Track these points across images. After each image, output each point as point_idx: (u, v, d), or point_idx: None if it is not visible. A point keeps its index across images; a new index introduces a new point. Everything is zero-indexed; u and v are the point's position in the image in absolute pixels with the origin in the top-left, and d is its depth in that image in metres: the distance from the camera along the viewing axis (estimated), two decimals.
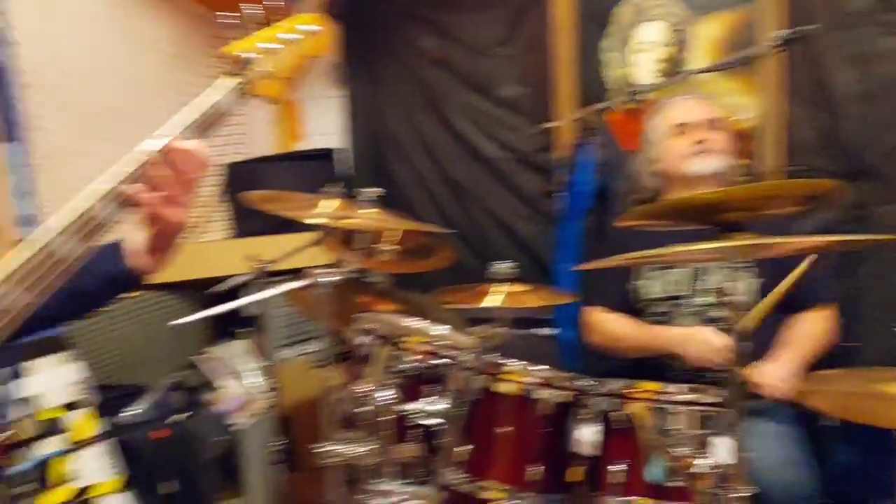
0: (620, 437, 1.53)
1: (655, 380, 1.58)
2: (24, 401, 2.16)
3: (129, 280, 1.14)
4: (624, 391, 1.56)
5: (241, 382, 2.84)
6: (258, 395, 2.79)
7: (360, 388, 1.53)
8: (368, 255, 2.26)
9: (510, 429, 1.60)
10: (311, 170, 3.25)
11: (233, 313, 2.36)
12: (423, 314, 1.95)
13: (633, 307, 2.22)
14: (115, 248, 1.14)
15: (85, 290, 1.10)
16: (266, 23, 1.29)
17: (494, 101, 3.31)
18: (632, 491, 1.51)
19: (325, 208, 1.95)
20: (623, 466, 1.52)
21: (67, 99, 2.70)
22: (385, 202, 2.10)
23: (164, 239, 1.08)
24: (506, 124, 3.30)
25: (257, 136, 3.54)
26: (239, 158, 3.32)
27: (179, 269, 2.75)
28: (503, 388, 1.61)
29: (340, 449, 1.63)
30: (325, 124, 3.58)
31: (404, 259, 2.31)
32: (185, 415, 2.65)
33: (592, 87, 3.10)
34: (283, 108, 3.62)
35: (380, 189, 2.03)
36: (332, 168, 3.38)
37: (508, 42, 3.27)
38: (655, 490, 1.49)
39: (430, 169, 3.44)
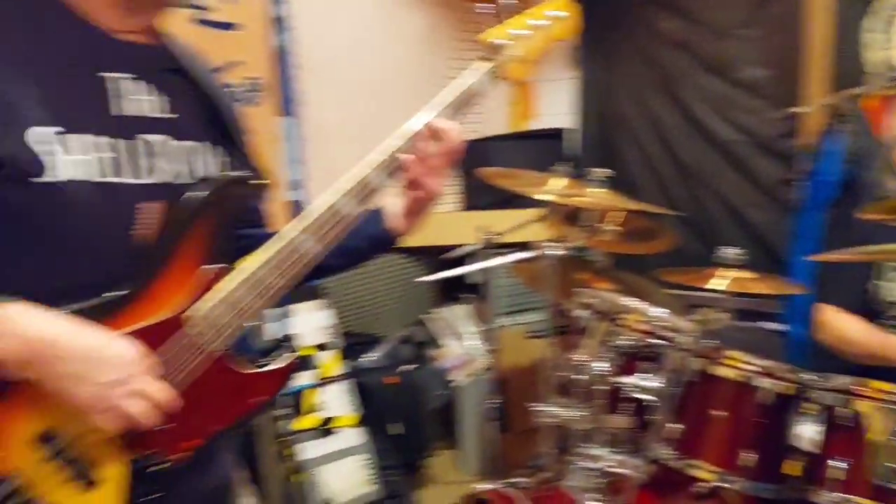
0: (844, 434, 1.49)
1: (888, 381, 1.51)
2: (287, 337, 2.53)
3: (388, 241, 1.26)
4: (852, 388, 1.51)
5: (462, 343, 3.06)
6: (477, 356, 2.99)
7: (577, 357, 1.62)
8: (591, 234, 2.33)
9: (725, 413, 1.62)
10: (542, 149, 3.37)
11: (459, 280, 2.55)
12: (640, 295, 1.99)
13: (871, 309, 2.09)
14: (377, 212, 1.26)
15: (352, 248, 1.21)
16: (518, 10, 1.39)
17: (734, 83, 3.20)
18: (852, 490, 1.47)
19: (554, 186, 2.04)
20: (844, 464, 1.48)
21: (335, 79, 3.06)
22: (611, 183, 2.15)
23: (421, 206, 1.21)
24: (745, 107, 3.18)
25: (492, 116, 3.71)
26: (473, 136, 3.52)
27: (417, 235, 3.04)
28: (722, 372, 1.63)
29: (555, 410, 1.74)
30: (557, 105, 3.68)
31: (626, 240, 2.35)
32: (413, 366, 2.92)
33: (847, 71, 2.89)
34: (518, 89, 3.76)
35: (608, 170, 2.08)
36: (562, 148, 3.48)
37: (753, 23, 3.14)
38: (879, 491, 1.44)
39: (660, 151, 3.41)
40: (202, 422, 1.01)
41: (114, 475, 0.95)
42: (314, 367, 2.58)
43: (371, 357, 2.88)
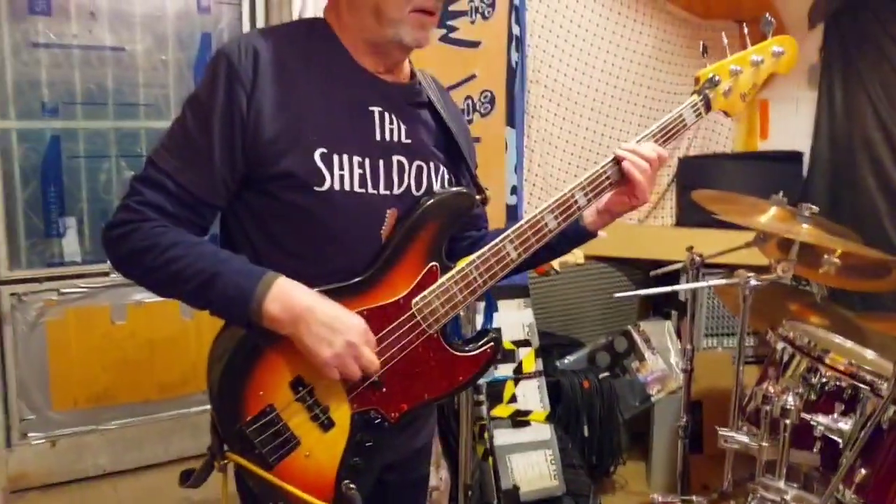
0: None
1: None
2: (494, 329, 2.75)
3: (581, 237, 1.38)
4: None
5: (662, 359, 3.09)
6: (676, 374, 3.01)
7: (771, 388, 1.64)
8: (809, 265, 2.28)
9: None
10: (769, 171, 3.29)
11: (667, 295, 2.60)
12: (851, 334, 1.94)
13: None
14: None
15: (548, 245, 1.34)
16: (742, 43, 1.44)
17: None
18: None
19: (769, 215, 2.04)
20: None
21: (562, 93, 3.23)
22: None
23: (619, 209, 1.34)
24: None
25: (717, 132, 3.68)
26: (693, 152, 3.52)
27: (625, 246, 3.14)
28: None
29: (742, 438, 1.77)
30: (791, 125, 3.55)
31: (848, 274, 2.27)
32: (610, 374, 3.01)
33: None
34: (749, 107, 3.68)
35: (815, 207, 2.02)
36: (793, 171, 3.36)
37: None
38: None
39: None
40: (413, 390, 1.24)
41: (342, 421, 1.20)
42: (514, 361, 2.77)
43: (570, 359, 3.02)
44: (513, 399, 2.75)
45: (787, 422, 1.59)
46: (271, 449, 1.16)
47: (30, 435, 2.65)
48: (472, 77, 2.98)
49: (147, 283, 1.20)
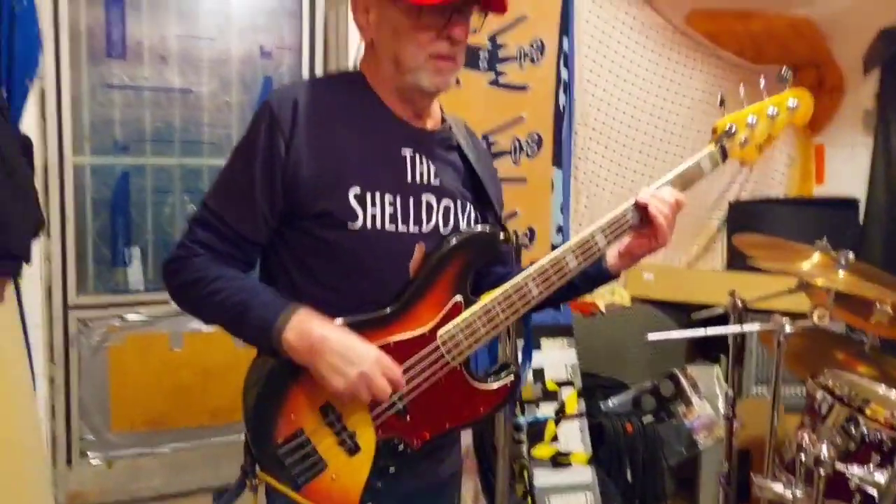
0: None
1: None
2: (535, 370, 2.78)
3: (603, 278, 1.43)
4: None
5: (710, 404, 3.04)
6: (723, 420, 2.96)
7: (807, 437, 1.62)
8: (859, 314, 2.24)
9: None
10: (823, 217, 3.25)
11: (714, 339, 2.57)
12: None
13: None
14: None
15: (571, 283, 1.38)
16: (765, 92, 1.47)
17: None
18: None
19: (811, 261, 2.02)
20: None
21: (609, 136, 3.28)
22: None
23: (639, 252, 1.37)
24: None
25: (770, 176, 3.65)
26: (745, 197, 3.49)
27: (673, 289, 3.13)
28: None
29: (776, 488, 1.74)
30: (847, 171, 3.50)
31: None
32: (655, 418, 2.99)
33: None
34: (804, 152, 3.65)
35: (852, 254, 1.98)
36: (848, 218, 3.31)
37: None
38: None
39: None
40: (435, 419, 1.29)
41: (368, 446, 1.26)
42: (556, 401, 2.78)
43: (614, 401, 3.01)
44: (554, 439, 2.76)
45: (822, 471, 1.56)
46: (300, 470, 1.23)
47: (89, 454, 2.78)
48: (520, 119, 3.06)
49: (196, 313, 1.32)
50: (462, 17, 1.24)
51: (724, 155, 1.39)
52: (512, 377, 1.35)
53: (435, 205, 1.32)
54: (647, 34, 3.32)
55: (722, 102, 1.44)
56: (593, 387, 3.03)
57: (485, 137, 2.99)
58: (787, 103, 1.43)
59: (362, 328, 1.23)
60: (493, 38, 2.99)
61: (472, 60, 2.95)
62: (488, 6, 1.27)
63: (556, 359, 2.86)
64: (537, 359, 2.83)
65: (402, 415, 1.27)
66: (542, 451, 2.73)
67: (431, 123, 1.38)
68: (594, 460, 2.77)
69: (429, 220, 1.31)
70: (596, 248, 1.32)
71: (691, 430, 3.02)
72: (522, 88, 3.07)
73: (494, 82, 3.01)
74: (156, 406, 2.85)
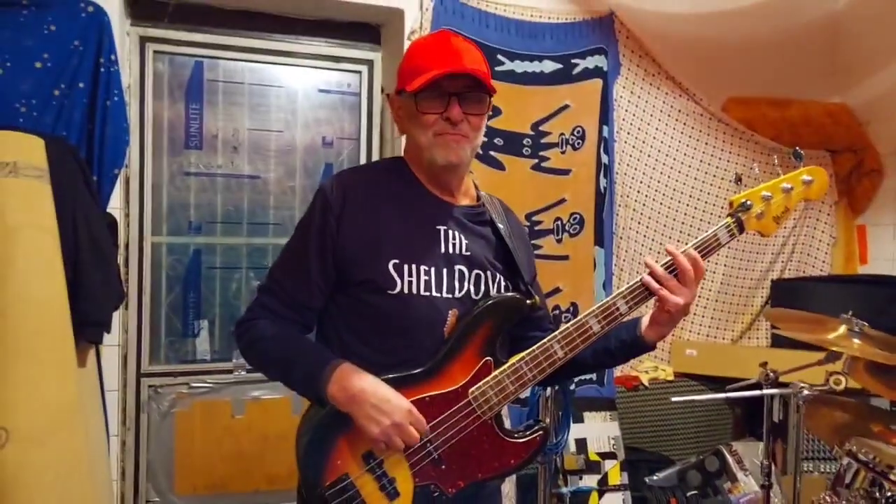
0: None
1: None
2: (578, 440, 2.85)
3: (638, 347, 1.52)
4: None
5: (755, 481, 3.03)
6: (771, 497, 2.95)
7: (827, 499, 1.67)
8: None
9: None
10: (864, 295, 3.27)
11: (760, 417, 2.59)
12: None
13: None
14: (636, 320, 1.53)
15: (607, 349, 1.53)
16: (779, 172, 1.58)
17: None
18: None
19: (837, 333, 2.10)
20: None
21: (650, 216, 3.41)
22: None
23: (669, 318, 1.46)
24: None
25: (814, 256, 3.70)
26: (788, 275, 3.55)
27: (716, 365, 3.18)
28: None
29: None
30: (890, 251, 3.54)
31: None
32: (699, 493, 3.00)
33: None
34: (846, 233, 3.71)
35: (865, 323, 2.05)
36: (890, 295, 3.32)
37: None
38: None
39: None
40: (468, 469, 1.43)
41: (406, 493, 1.39)
42: (599, 473, 2.84)
43: (659, 476, 3.03)
44: None
45: None
46: None
47: None
48: (563, 201, 3.24)
49: (259, 368, 1.51)
50: (461, 99, 1.42)
51: (741, 226, 1.49)
52: (541, 433, 1.47)
53: (467, 273, 1.48)
54: (685, 121, 3.49)
55: (739, 179, 1.57)
56: (638, 461, 3.07)
57: (528, 217, 3.17)
58: (801, 178, 1.53)
59: (401, 384, 1.39)
60: (535, 126, 3.21)
61: (516, 147, 3.16)
62: (481, 88, 1.43)
63: (598, 431, 2.93)
64: (580, 430, 2.91)
65: (437, 464, 1.40)
66: None
67: (467, 200, 1.56)
68: None
69: (461, 287, 1.47)
70: (617, 313, 1.44)
71: None
72: (565, 172, 3.25)
73: (537, 167, 3.20)
74: (217, 471, 3.02)
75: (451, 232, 1.49)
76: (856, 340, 1.97)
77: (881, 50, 3.57)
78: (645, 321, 1.51)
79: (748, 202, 1.52)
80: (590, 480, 2.83)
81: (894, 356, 1.93)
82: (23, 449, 2.13)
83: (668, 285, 1.42)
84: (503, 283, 1.52)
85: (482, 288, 1.49)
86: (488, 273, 1.51)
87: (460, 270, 1.47)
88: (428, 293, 1.43)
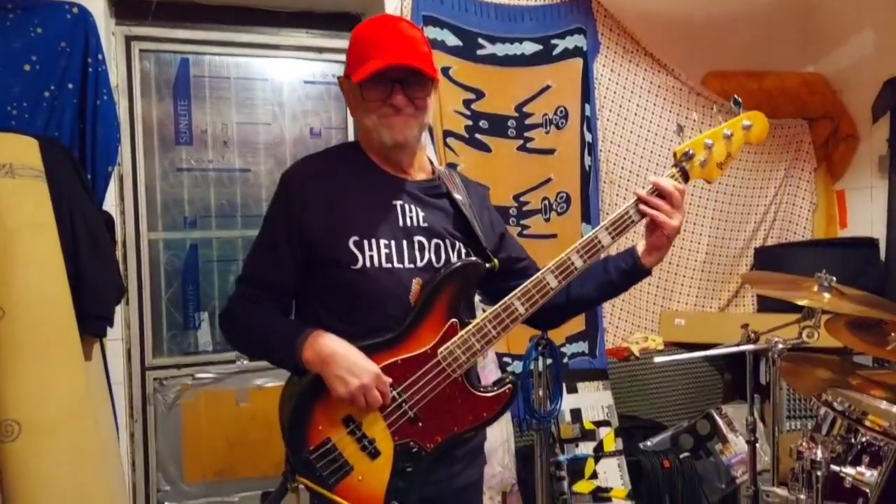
0: None
1: None
2: (573, 410, 2.94)
3: (637, 274, 1.60)
4: None
5: (746, 441, 3.13)
6: (761, 456, 3.04)
7: (804, 444, 1.76)
8: (876, 343, 2.36)
9: None
10: (846, 258, 3.37)
11: (746, 379, 2.68)
12: None
13: None
14: (631, 250, 1.62)
15: (608, 281, 1.62)
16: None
17: None
18: None
19: (811, 291, 2.18)
20: None
21: (635, 191, 3.48)
22: None
23: (667, 241, 1.55)
24: None
25: (794, 222, 3.79)
26: (770, 242, 3.64)
27: (705, 332, 3.27)
28: None
29: (781, 492, 1.87)
30: (867, 214, 3.63)
31: None
32: (693, 456, 3.09)
33: None
34: (826, 198, 3.80)
35: (833, 277, 2.13)
36: (870, 257, 3.42)
37: None
38: None
39: None
40: (444, 424, 1.52)
41: (387, 451, 1.49)
42: (594, 440, 2.93)
43: (653, 441, 3.13)
44: (593, 476, 2.90)
45: (818, 474, 1.70)
46: (330, 473, 1.47)
47: None
48: (549, 180, 3.31)
49: (244, 350, 1.67)
50: (404, 85, 1.49)
51: (685, 175, 1.58)
52: (509, 386, 1.57)
53: (427, 243, 1.56)
54: (665, 96, 3.57)
55: (680, 130, 1.64)
56: (633, 428, 3.16)
57: (516, 198, 3.24)
58: (741, 123, 1.61)
59: (373, 350, 1.48)
60: (519, 108, 3.28)
61: (501, 129, 3.23)
62: (422, 75, 1.49)
63: (592, 400, 3.01)
64: (575, 400, 3.00)
65: (413, 422, 1.50)
66: (583, 486, 2.86)
67: (423, 175, 1.64)
68: (634, 496, 2.89)
69: (422, 257, 1.55)
70: (599, 245, 1.53)
71: (729, 467, 3.11)
72: (550, 152, 3.32)
73: (522, 147, 3.27)
74: (224, 457, 3.10)
75: (406, 206, 1.57)
76: (826, 294, 2.06)
77: (851, 19, 3.67)
78: (641, 249, 1.59)
79: (691, 151, 1.58)
80: (586, 448, 2.92)
81: (864, 310, 2.02)
82: (36, 441, 2.20)
83: (663, 209, 1.51)
84: (462, 251, 1.60)
85: (443, 256, 1.57)
86: (447, 242, 1.58)
87: (420, 241, 1.55)
88: (389, 265, 1.51)
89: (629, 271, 1.61)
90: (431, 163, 1.70)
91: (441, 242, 1.58)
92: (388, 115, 1.51)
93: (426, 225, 1.57)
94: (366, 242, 1.51)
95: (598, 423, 2.96)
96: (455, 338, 1.51)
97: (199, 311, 3.13)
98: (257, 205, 3.19)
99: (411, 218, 1.57)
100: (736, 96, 1.63)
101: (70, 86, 2.58)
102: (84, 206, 2.46)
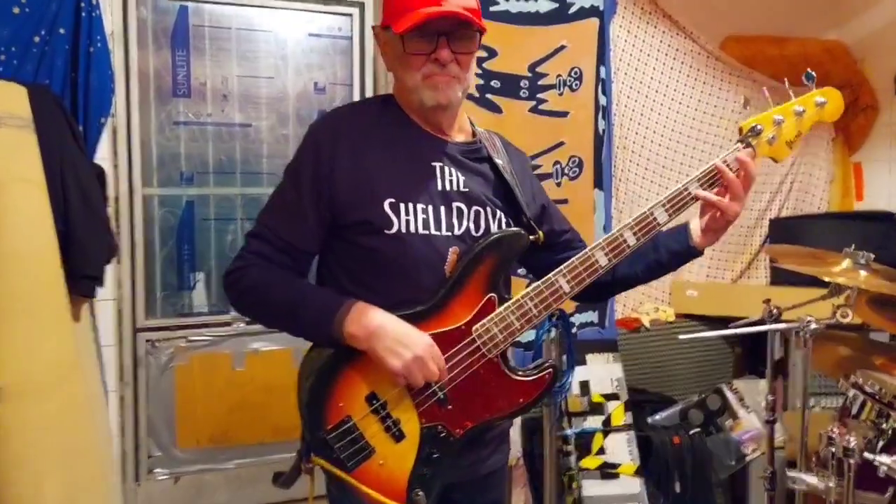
0: None
1: None
2: (581, 382, 2.85)
3: (689, 254, 1.51)
4: None
5: (758, 417, 3.06)
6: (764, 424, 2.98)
7: (836, 430, 1.67)
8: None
9: None
10: (862, 231, 3.28)
11: (761, 355, 2.60)
12: None
13: None
14: (684, 228, 1.51)
15: (657, 261, 1.52)
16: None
17: None
18: None
19: (840, 267, 2.08)
20: None
21: (648, 157, 3.37)
22: None
23: (718, 225, 1.45)
24: None
25: (811, 193, 3.69)
26: (786, 214, 3.54)
27: (717, 305, 3.18)
28: None
29: (810, 479, 1.79)
30: (886, 186, 3.53)
31: None
32: (702, 432, 3.02)
33: None
34: (843, 169, 3.69)
35: (872, 255, 2.03)
36: (887, 230, 3.32)
37: None
38: None
39: None
40: (475, 409, 1.39)
41: (413, 434, 1.36)
42: (602, 414, 2.85)
43: (661, 416, 3.05)
44: (601, 451, 2.82)
45: (851, 461, 1.61)
46: (349, 454, 1.34)
47: (156, 471, 2.94)
48: (561, 144, 3.18)
49: (256, 317, 1.46)
50: (449, 39, 1.36)
51: (749, 153, 1.45)
52: (550, 370, 1.43)
53: (466, 210, 1.43)
54: (682, 60, 3.43)
55: (746, 104, 1.51)
56: (642, 401, 3.08)
57: None
58: (814, 100, 1.49)
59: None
60: (532, 68, 3.13)
61: (513, 90, 3.09)
62: (470, 27, 1.36)
63: (601, 373, 2.93)
64: (584, 373, 2.91)
65: (443, 404, 1.36)
66: (591, 462, 2.79)
67: (462, 136, 1.50)
68: (642, 472, 2.81)
69: (460, 224, 1.42)
70: (655, 223, 1.42)
71: (739, 443, 3.04)
72: (563, 115, 3.19)
73: (535, 109, 3.14)
74: (220, 423, 3.00)
75: (447, 168, 1.44)
76: (862, 272, 1.95)
77: None
78: (695, 229, 1.48)
79: (759, 126, 1.47)
80: (594, 421, 2.84)
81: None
82: (22, 405, 2.09)
83: (735, 188, 1.41)
84: (504, 220, 1.48)
85: (482, 225, 1.45)
86: (488, 209, 1.46)
87: (458, 207, 1.42)
88: (427, 231, 1.39)
89: (682, 252, 1.50)
90: (472, 124, 1.56)
91: (481, 210, 1.45)
92: (433, 73, 1.37)
93: (466, 190, 1.44)
94: (402, 206, 1.38)
95: (608, 397, 2.87)
96: (493, 314, 1.39)
97: (194, 271, 3.01)
98: (258, 161, 3.05)
99: (451, 182, 1.44)
100: (810, 70, 1.50)
101: (62, 31, 2.42)
102: (75, 159, 2.33)
